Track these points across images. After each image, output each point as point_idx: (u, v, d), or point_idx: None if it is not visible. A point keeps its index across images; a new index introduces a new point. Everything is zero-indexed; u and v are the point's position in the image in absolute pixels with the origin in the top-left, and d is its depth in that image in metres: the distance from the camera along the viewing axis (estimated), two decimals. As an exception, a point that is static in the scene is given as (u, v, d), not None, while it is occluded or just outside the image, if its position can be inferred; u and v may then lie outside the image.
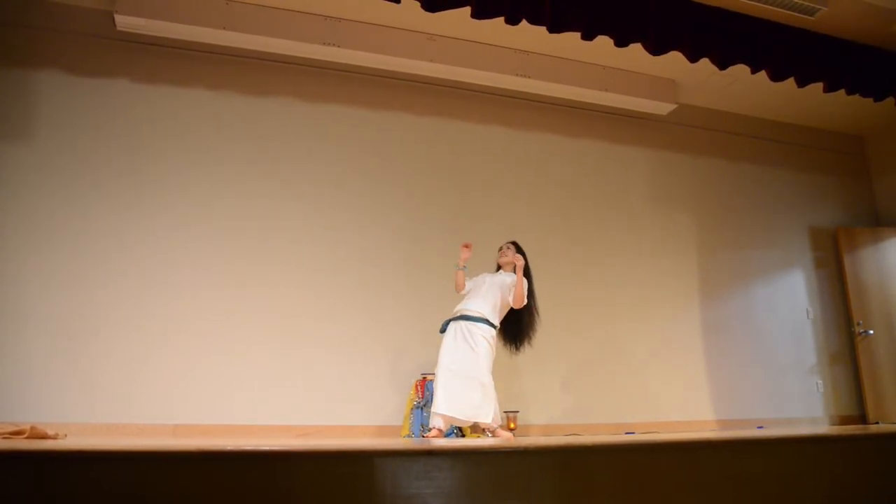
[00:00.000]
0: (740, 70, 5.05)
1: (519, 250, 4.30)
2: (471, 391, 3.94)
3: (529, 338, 4.33)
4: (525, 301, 4.18)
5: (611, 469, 1.71)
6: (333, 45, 4.93)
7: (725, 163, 6.47)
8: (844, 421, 6.12)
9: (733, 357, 5.97)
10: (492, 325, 4.11)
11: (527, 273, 4.26)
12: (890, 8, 4.81)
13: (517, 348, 4.36)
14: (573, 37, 4.49)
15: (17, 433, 2.96)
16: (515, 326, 4.30)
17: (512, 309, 4.22)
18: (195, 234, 4.69)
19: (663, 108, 5.96)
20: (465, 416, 3.94)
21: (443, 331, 4.20)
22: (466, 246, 4.24)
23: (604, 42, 4.52)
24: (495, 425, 4.03)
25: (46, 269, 4.31)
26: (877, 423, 5.86)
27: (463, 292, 4.29)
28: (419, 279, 5.12)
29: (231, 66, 5.04)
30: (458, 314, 4.14)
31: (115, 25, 4.61)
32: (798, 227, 6.60)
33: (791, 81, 5.01)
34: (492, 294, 4.17)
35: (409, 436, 4.44)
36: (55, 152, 4.49)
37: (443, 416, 3.94)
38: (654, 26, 4.50)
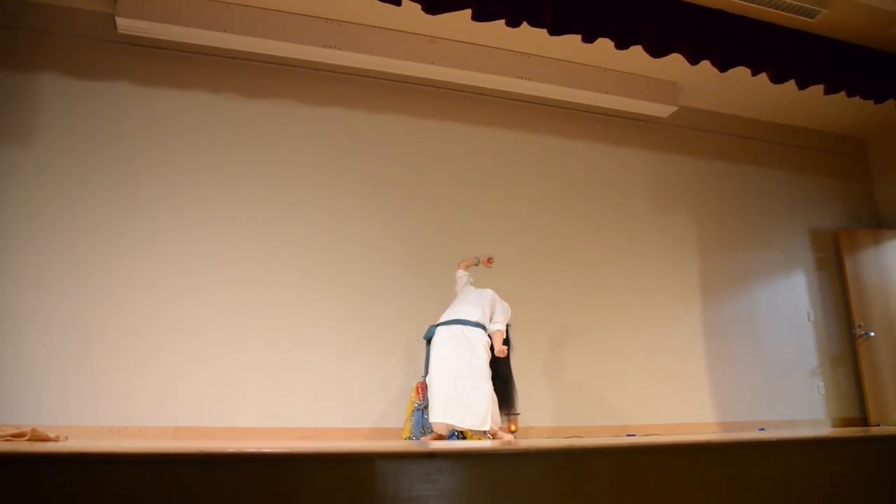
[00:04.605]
0: (741, 72, 5.04)
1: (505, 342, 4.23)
2: (471, 398, 3.91)
3: (511, 403, 4.30)
4: (504, 352, 4.14)
5: (612, 471, 1.71)
6: (334, 47, 4.93)
7: (726, 165, 6.47)
8: (845, 423, 6.11)
9: (734, 359, 5.96)
10: (486, 331, 4.11)
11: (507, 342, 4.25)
12: (890, 10, 4.80)
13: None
14: (574, 39, 4.48)
15: (19, 435, 2.97)
16: (501, 393, 4.24)
17: (497, 373, 4.19)
18: (196, 237, 4.69)
19: (664, 110, 5.96)
20: (465, 423, 3.92)
21: (427, 337, 4.18)
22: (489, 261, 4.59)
23: (604, 44, 4.52)
24: (496, 427, 4.03)
25: (47, 271, 4.31)
26: (878, 425, 5.85)
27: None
28: (420, 281, 5.11)
29: (232, 69, 5.04)
30: (451, 319, 4.12)
31: (116, 28, 4.62)
32: (799, 228, 6.59)
33: (792, 83, 5.01)
34: (481, 304, 4.20)
35: (410, 438, 4.43)
36: (56, 155, 4.49)
37: (442, 424, 3.94)
38: (655, 28, 4.49)
